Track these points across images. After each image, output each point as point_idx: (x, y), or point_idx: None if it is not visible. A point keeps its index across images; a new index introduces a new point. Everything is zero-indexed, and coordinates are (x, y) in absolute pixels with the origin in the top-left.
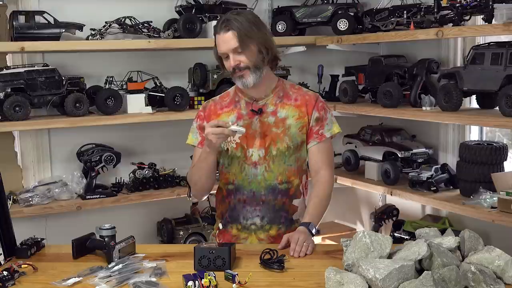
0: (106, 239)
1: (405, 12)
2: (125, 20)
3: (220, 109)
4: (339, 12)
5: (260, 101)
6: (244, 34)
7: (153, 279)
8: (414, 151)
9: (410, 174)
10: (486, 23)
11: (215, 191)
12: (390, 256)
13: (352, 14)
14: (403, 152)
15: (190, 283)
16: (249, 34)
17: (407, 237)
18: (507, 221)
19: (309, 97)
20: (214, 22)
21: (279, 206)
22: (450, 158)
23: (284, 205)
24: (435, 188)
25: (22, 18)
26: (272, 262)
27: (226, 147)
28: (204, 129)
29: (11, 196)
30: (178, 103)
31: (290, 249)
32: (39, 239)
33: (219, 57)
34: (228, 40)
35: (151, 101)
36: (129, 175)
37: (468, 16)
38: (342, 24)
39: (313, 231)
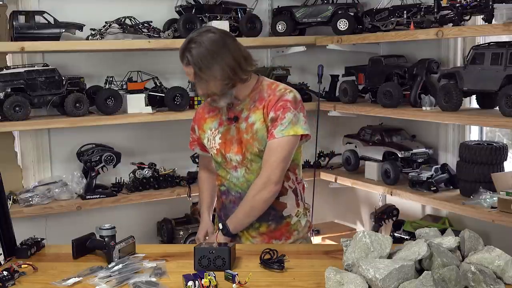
0: (106, 239)
1: (405, 12)
2: (125, 20)
3: (207, 112)
4: (339, 12)
5: (238, 106)
6: (200, 69)
7: (153, 279)
8: (414, 151)
9: (410, 174)
10: (486, 23)
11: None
12: (390, 256)
13: (352, 14)
14: (403, 152)
15: (190, 283)
16: (207, 65)
17: (407, 237)
18: (507, 221)
19: (273, 97)
20: (214, 22)
21: None
22: (450, 158)
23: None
24: (435, 188)
25: (22, 18)
26: (272, 262)
27: (211, 152)
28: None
29: (11, 196)
30: (178, 103)
31: None
32: (39, 239)
33: None
34: (189, 73)
35: (151, 101)
36: (129, 175)
37: (468, 16)
38: (342, 24)
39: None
